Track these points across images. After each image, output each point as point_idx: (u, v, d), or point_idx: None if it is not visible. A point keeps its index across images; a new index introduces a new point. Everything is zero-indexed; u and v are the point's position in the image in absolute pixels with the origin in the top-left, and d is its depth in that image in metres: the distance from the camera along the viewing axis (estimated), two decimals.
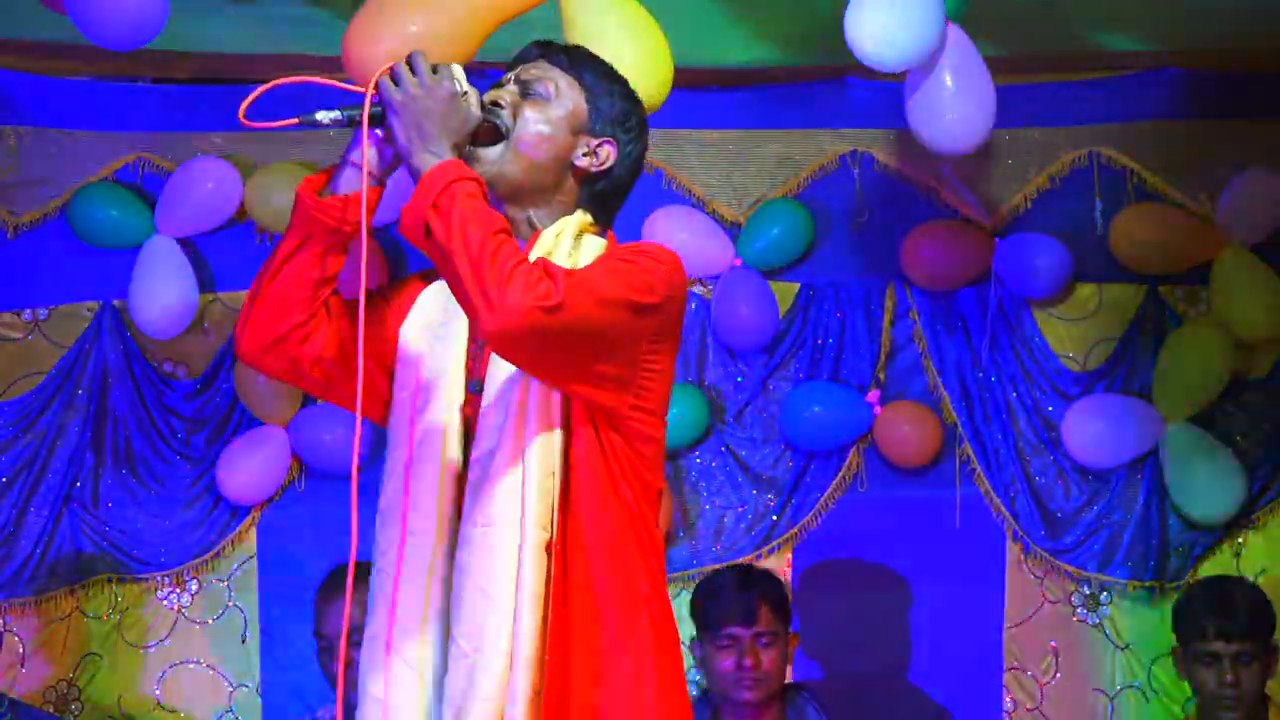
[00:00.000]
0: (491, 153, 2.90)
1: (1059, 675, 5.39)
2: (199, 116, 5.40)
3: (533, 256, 2.87)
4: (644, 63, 4.01)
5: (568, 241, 2.95)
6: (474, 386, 2.93)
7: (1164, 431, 5.26)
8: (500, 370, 2.84)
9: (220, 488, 5.31)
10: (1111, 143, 5.33)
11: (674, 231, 5.18)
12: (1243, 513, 5.29)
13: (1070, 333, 5.45)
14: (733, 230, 5.42)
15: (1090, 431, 5.26)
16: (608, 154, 3.03)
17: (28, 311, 5.38)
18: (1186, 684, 5.19)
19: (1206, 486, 5.24)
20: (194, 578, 5.39)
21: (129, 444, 5.40)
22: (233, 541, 5.38)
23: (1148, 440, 5.28)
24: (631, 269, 2.85)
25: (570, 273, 2.74)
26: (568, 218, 2.99)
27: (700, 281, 5.15)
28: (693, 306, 5.01)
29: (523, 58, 3.07)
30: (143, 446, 5.39)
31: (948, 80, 4.22)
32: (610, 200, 3.13)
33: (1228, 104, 5.29)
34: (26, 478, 5.26)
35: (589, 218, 3.02)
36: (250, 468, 5.32)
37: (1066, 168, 5.34)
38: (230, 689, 5.39)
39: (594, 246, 2.98)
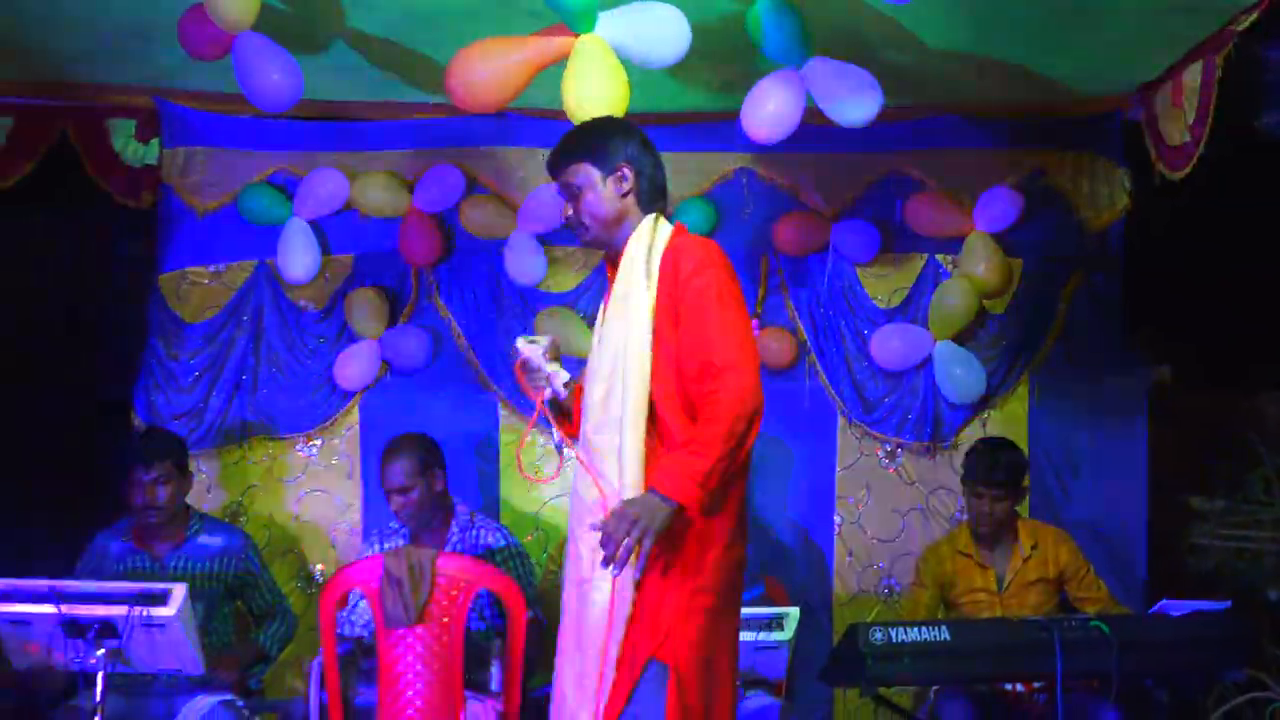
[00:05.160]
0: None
1: (871, 501, 6.53)
2: (320, 141, 6.57)
3: (630, 251, 3.70)
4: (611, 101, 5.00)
5: (647, 237, 3.74)
6: None
7: (934, 347, 6.48)
8: None
9: (335, 379, 6.50)
10: (910, 162, 6.52)
11: None
12: (985, 399, 6.51)
13: (879, 284, 6.59)
14: None
15: (889, 346, 6.49)
16: (631, 174, 3.79)
17: (211, 266, 6.59)
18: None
19: (962, 381, 6.44)
20: (319, 437, 6.57)
21: (277, 352, 6.57)
22: (344, 414, 6.55)
23: (924, 352, 6.48)
24: (729, 309, 3.62)
25: (723, 357, 3.55)
26: (643, 224, 3.78)
27: None
28: None
29: (551, 173, 3.90)
30: (285, 353, 6.57)
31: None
32: (655, 195, 3.86)
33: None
34: (211, 373, 6.49)
35: (651, 216, 3.81)
36: (355, 366, 6.50)
37: (878, 177, 6.54)
38: (342, 508, 6.54)
39: (665, 230, 3.80)
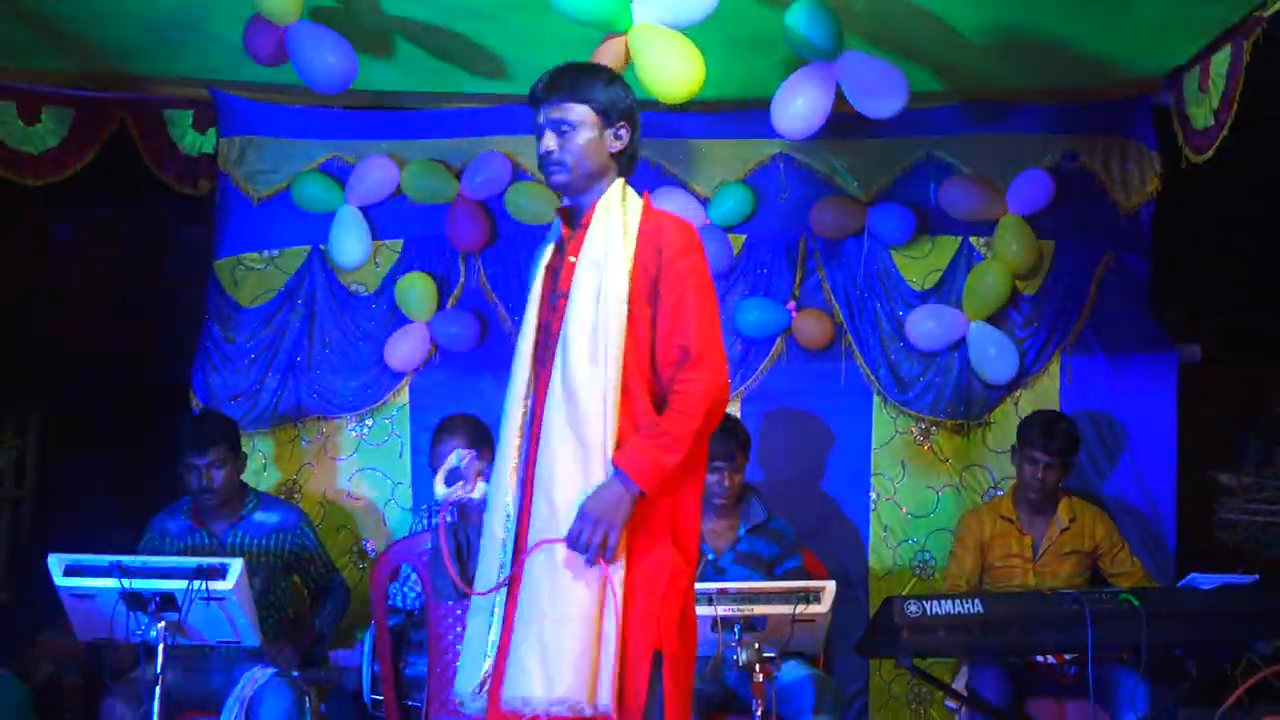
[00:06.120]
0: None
1: (906, 478, 6.57)
2: (371, 130, 6.71)
3: (605, 216, 3.52)
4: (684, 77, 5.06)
5: (619, 204, 3.57)
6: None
7: (968, 327, 6.50)
8: None
9: (386, 360, 6.60)
10: (944, 146, 6.57)
11: (665, 203, 6.03)
12: (1017, 378, 6.55)
13: (913, 266, 6.63)
14: (703, 201, 6.58)
15: (924, 327, 6.52)
16: (628, 135, 3.64)
17: (265, 251, 6.72)
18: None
19: (995, 361, 6.49)
20: (370, 416, 6.68)
21: (329, 335, 6.67)
22: (394, 395, 6.66)
23: (959, 333, 6.51)
24: (708, 298, 3.54)
25: (699, 346, 3.46)
26: (614, 186, 3.62)
27: None
28: None
29: (535, 101, 3.62)
30: (337, 336, 6.67)
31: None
32: (632, 162, 3.70)
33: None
34: (266, 355, 6.60)
35: (622, 180, 3.66)
36: (405, 348, 6.59)
37: (913, 162, 6.60)
38: (393, 485, 6.65)
39: (635, 199, 3.64)
